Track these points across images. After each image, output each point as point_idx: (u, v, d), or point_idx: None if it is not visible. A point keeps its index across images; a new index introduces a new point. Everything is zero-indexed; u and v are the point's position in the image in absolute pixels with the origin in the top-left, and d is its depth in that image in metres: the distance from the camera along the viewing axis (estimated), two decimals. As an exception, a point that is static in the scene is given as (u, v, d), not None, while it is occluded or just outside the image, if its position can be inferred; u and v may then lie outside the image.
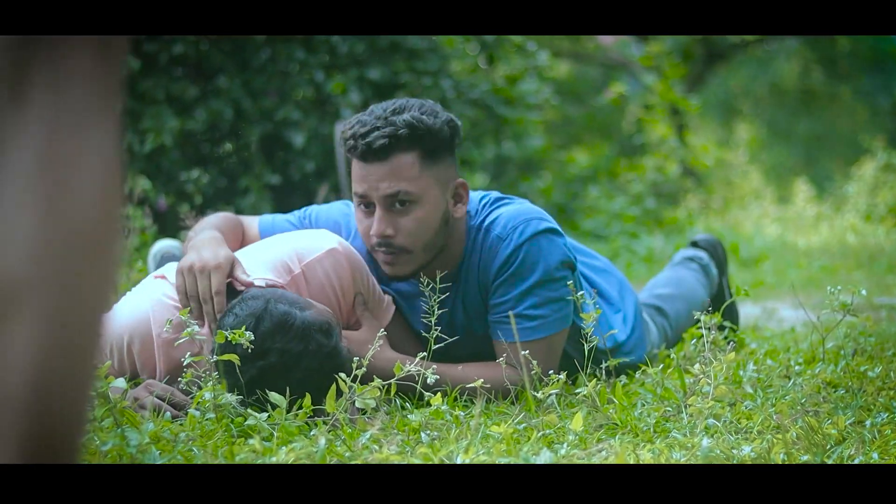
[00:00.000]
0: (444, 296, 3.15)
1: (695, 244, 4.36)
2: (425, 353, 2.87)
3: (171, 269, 3.07)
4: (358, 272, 3.12)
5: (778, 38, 15.05)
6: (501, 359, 2.98)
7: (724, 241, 8.69)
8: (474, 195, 3.30)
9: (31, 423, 1.43)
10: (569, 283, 3.11)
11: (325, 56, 6.72)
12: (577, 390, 2.82)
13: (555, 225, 3.18)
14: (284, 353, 2.72)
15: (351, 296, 3.11)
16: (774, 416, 2.63)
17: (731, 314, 4.07)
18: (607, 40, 12.83)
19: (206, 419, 2.60)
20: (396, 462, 2.23)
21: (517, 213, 3.17)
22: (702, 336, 2.89)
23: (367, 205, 3.09)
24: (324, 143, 6.68)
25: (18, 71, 1.40)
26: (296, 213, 3.43)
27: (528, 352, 2.89)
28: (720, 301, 4.13)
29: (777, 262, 8.01)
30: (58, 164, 1.38)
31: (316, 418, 2.65)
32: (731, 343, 2.95)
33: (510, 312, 3.10)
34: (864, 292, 3.14)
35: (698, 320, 2.96)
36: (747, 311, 5.48)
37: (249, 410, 2.62)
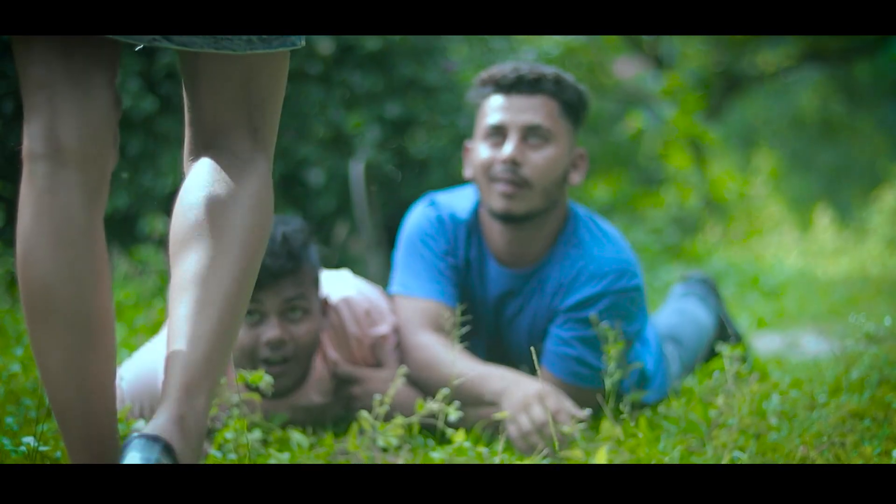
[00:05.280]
0: (525, 283, 3.27)
1: (684, 281, 4.42)
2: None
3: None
4: (377, 316, 3.14)
5: (796, 69, 15.05)
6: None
7: (744, 272, 8.66)
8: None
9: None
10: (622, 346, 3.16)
11: (345, 92, 6.71)
12: (602, 425, 2.80)
13: (642, 283, 3.25)
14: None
15: (367, 339, 3.13)
16: (800, 448, 2.60)
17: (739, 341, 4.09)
18: (626, 73, 12.83)
19: (228, 460, 2.59)
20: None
21: (622, 257, 3.24)
22: (725, 369, 2.87)
23: (498, 137, 3.21)
24: (343, 182, 6.68)
25: (201, 149, 2.05)
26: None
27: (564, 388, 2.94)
28: (724, 329, 4.17)
29: (799, 293, 7.97)
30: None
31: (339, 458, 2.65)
32: (755, 374, 2.93)
33: (569, 352, 3.12)
34: (888, 321, 3.11)
35: (720, 352, 2.94)
36: (770, 341, 5.44)
37: (271, 450, 2.61)
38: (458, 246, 3.31)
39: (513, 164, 3.16)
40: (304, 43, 2.03)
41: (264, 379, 2.67)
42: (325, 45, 6.38)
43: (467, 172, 3.31)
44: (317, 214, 6.73)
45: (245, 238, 1.97)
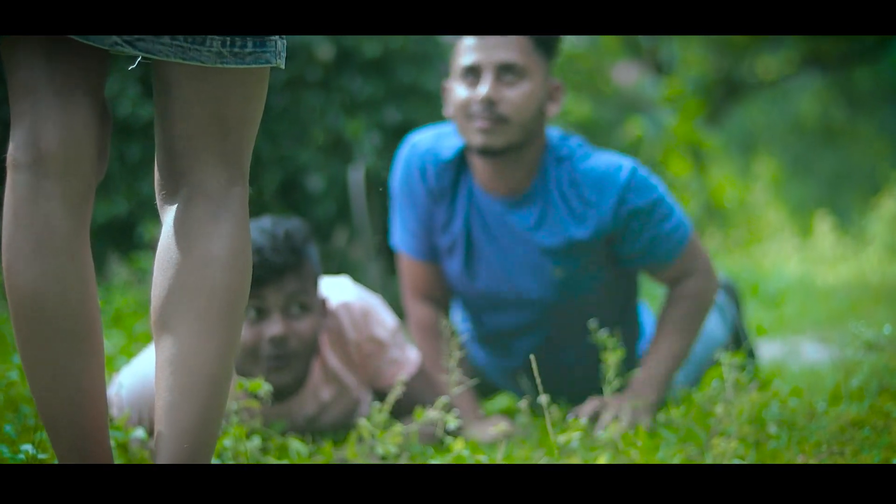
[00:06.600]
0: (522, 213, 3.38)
1: None
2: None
3: None
4: (375, 322, 3.13)
5: (796, 75, 15.06)
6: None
7: (744, 280, 8.66)
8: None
9: None
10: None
11: (345, 98, 6.69)
12: (600, 432, 2.80)
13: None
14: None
15: (365, 345, 3.12)
16: (799, 457, 2.60)
17: (750, 354, 4.05)
18: (625, 80, 12.83)
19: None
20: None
21: (612, 156, 3.39)
22: (724, 378, 2.87)
23: (474, 76, 3.28)
24: (342, 188, 6.67)
25: (173, 181, 2.02)
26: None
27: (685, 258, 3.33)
28: (737, 341, 4.12)
29: (799, 300, 7.96)
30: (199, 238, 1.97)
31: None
32: (754, 382, 2.92)
33: (657, 236, 3.40)
34: (888, 329, 3.11)
35: (718, 360, 2.93)
36: (770, 349, 5.44)
37: (270, 458, 2.61)
38: (444, 185, 3.43)
39: (489, 103, 3.23)
40: (280, 63, 2.00)
41: (263, 387, 2.67)
42: (325, 50, 6.37)
43: (447, 111, 3.39)
44: (316, 221, 6.73)
45: (224, 309, 1.93)
